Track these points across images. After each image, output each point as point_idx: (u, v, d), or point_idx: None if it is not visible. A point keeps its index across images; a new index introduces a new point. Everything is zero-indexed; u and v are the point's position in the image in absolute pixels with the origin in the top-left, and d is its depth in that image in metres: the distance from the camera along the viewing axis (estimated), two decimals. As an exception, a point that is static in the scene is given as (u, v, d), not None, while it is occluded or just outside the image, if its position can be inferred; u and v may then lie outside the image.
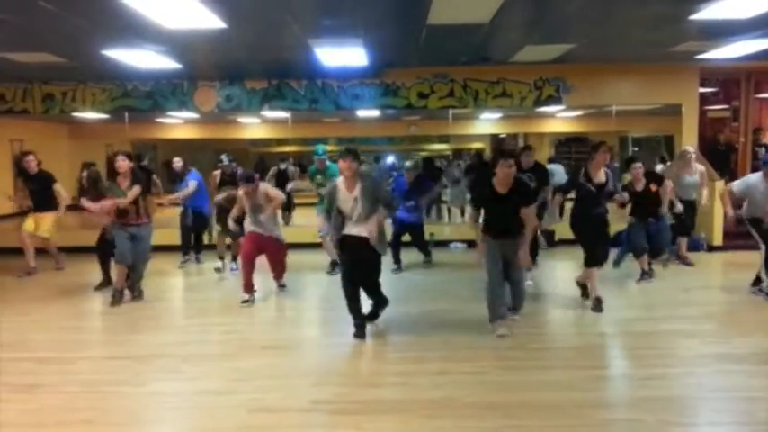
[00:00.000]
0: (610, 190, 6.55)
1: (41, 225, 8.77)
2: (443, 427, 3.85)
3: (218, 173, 8.54)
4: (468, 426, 3.85)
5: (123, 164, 6.88)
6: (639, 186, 7.54)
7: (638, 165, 7.64)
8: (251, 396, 4.36)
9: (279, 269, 7.47)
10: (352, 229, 5.64)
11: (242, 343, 5.71)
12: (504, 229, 5.68)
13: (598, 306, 6.36)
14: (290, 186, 10.25)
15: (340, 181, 5.66)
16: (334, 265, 8.28)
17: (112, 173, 6.98)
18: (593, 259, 6.44)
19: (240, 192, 7.17)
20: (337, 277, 6.04)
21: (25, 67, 8.82)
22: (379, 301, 5.97)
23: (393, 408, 4.14)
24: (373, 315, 6.00)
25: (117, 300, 6.98)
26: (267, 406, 4.19)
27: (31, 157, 8.66)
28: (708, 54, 9.02)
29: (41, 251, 8.98)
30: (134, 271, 7.16)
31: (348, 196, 5.56)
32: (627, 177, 7.94)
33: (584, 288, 6.74)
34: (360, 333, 5.68)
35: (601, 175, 6.42)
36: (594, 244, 6.46)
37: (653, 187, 7.52)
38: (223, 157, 8.53)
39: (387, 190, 5.78)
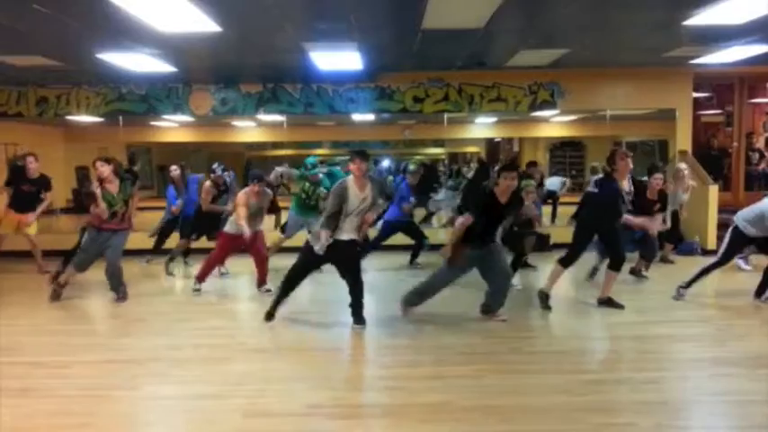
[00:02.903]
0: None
1: (30, 226, 8.75)
2: (439, 431, 3.85)
3: (209, 184, 8.22)
4: (463, 430, 3.85)
5: (103, 169, 6.84)
6: (652, 196, 7.38)
7: (660, 176, 7.53)
8: (246, 400, 4.34)
9: (263, 269, 7.50)
10: (344, 234, 5.80)
11: (236, 347, 5.69)
12: (485, 237, 5.92)
13: (544, 302, 6.62)
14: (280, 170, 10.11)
15: (350, 180, 5.78)
16: None
17: (99, 180, 6.89)
18: (567, 261, 6.56)
19: (249, 191, 7.27)
20: (329, 279, 6.06)
21: (19, 70, 8.79)
22: (358, 298, 6.02)
23: (389, 412, 4.13)
24: (359, 317, 6.03)
25: (57, 295, 7.14)
26: (263, 410, 4.17)
27: (31, 158, 8.63)
28: (702, 59, 9.06)
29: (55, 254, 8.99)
30: (108, 277, 7.13)
31: (358, 195, 5.72)
32: None
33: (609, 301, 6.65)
34: (271, 314, 6.17)
35: (626, 184, 6.38)
36: (579, 253, 6.52)
37: (657, 206, 7.42)
38: (215, 166, 8.28)
39: (390, 188, 5.97)
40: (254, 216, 7.36)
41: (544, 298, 6.61)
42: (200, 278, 7.51)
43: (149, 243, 9.50)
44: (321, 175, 8.35)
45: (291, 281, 6.08)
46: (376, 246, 9.05)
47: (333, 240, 5.76)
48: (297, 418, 4.04)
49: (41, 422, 4.04)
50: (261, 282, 7.53)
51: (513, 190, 5.90)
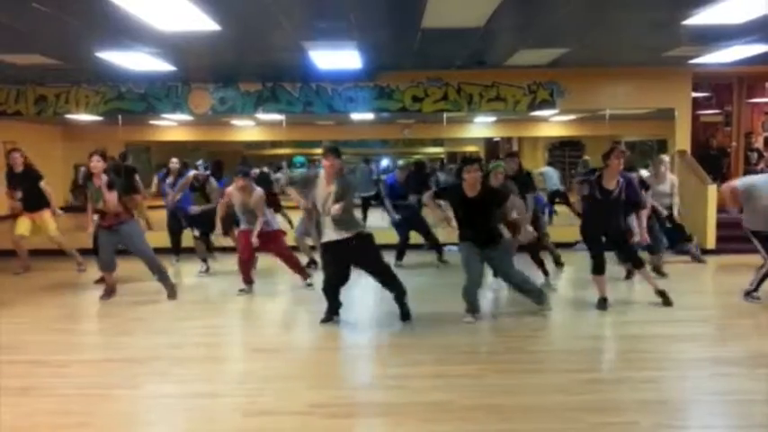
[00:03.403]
0: (632, 198, 6.42)
1: (47, 225, 8.78)
2: (440, 430, 3.85)
3: (191, 175, 8.55)
4: (464, 429, 3.85)
5: (98, 164, 6.90)
6: None
7: (634, 175, 7.55)
8: (246, 399, 4.34)
9: (292, 262, 7.52)
10: (331, 235, 5.82)
11: (236, 345, 5.71)
12: (481, 237, 6.01)
13: (602, 305, 6.53)
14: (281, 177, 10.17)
15: (322, 172, 5.92)
16: (310, 263, 8.70)
17: (89, 173, 6.97)
18: (594, 267, 6.51)
19: (234, 186, 7.27)
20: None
21: (18, 68, 8.78)
22: (396, 287, 6.06)
23: (390, 411, 4.13)
24: (405, 314, 6.08)
25: (107, 296, 7.23)
26: (263, 409, 4.17)
27: (17, 155, 8.61)
28: (701, 59, 9.07)
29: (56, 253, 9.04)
30: (149, 268, 7.18)
31: (324, 189, 5.82)
32: None
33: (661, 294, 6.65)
34: (327, 318, 6.11)
35: (613, 183, 6.33)
36: (598, 252, 6.47)
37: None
38: (199, 163, 8.59)
39: (351, 199, 5.95)
40: (245, 215, 7.33)
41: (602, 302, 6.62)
42: (246, 281, 7.48)
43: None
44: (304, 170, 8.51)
45: (325, 286, 6.07)
46: (403, 249, 9.11)
47: (330, 242, 5.83)
48: (297, 417, 4.04)
49: (41, 421, 4.03)
50: (302, 276, 7.59)
51: (483, 183, 5.98)
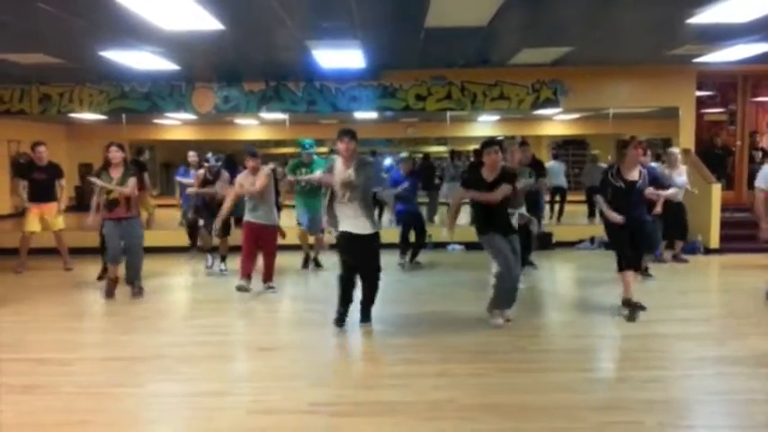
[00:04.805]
0: (661, 183, 6.26)
1: (55, 219, 8.97)
2: (443, 428, 3.84)
3: (202, 172, 8.54)
4: (467, 428, 3.84)
5: (117, 155, 7.02)
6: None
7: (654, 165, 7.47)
8: (249, 398, 4.34)
9: (270, 265, 7.49)
10: (349, 227, 5.68)
11: (239, 344, 5.71)
12: (503, 224, 5.85)
13: (633, 313, 6.14)
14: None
15: (338, 158, 5.78)
16: (306, 263, 8.88)
17: (105, 163, 7.06)
18: (621, 263, 6.27)
19: (245, 171, 7.28)
20: (330, 277, 6.04)
21: (23, 67, 8.81)
22: (374, 293, 5.96)
23: (392, 410, 4.12)
24: (366, 315, 6.01)
25: (111, 291, 7.23)
26: (266, 408, 4.17)
27: (42, 148, 8.82)
28: (705, 57, 9.05)
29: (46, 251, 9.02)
30: (129, 267, 7.28)
31: (342, 171, 5.64)
32: None
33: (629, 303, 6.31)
34: (340, 318, 5.91)
35: (634, 174, 6.16)
36: (623, 248, 6.24)
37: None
38: (209, 156, 8.57)
39: (380, 173, 5.84)
40: (254, 198, 7.26)
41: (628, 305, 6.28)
42: (244, 275, 7.35)
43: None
44: (315, 157, 8.43)
45: (342, 273, 5.89)
46: (405, 243, 9.03)
47: (347, 233, 5.66)
48: (300, 416, 4.04)
49: (44, 419, 4.04)
50: (266, 278, 7.51)
51: (503, 167, 5.84)
